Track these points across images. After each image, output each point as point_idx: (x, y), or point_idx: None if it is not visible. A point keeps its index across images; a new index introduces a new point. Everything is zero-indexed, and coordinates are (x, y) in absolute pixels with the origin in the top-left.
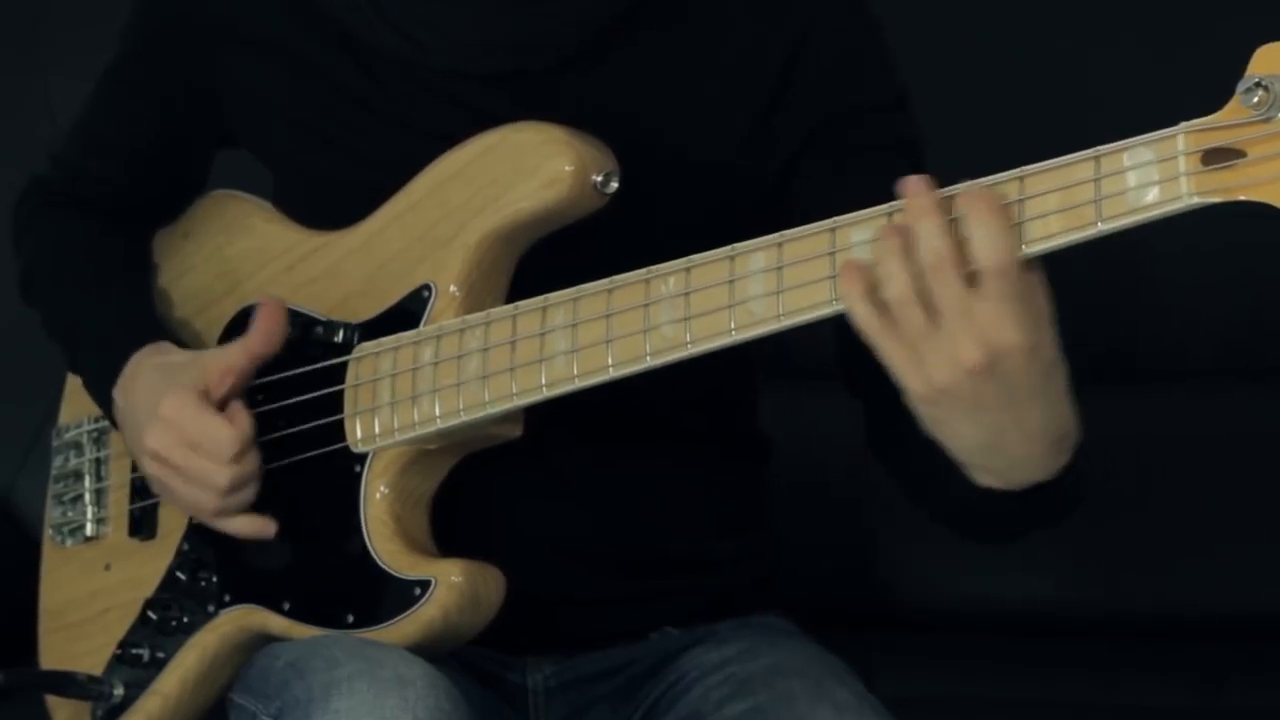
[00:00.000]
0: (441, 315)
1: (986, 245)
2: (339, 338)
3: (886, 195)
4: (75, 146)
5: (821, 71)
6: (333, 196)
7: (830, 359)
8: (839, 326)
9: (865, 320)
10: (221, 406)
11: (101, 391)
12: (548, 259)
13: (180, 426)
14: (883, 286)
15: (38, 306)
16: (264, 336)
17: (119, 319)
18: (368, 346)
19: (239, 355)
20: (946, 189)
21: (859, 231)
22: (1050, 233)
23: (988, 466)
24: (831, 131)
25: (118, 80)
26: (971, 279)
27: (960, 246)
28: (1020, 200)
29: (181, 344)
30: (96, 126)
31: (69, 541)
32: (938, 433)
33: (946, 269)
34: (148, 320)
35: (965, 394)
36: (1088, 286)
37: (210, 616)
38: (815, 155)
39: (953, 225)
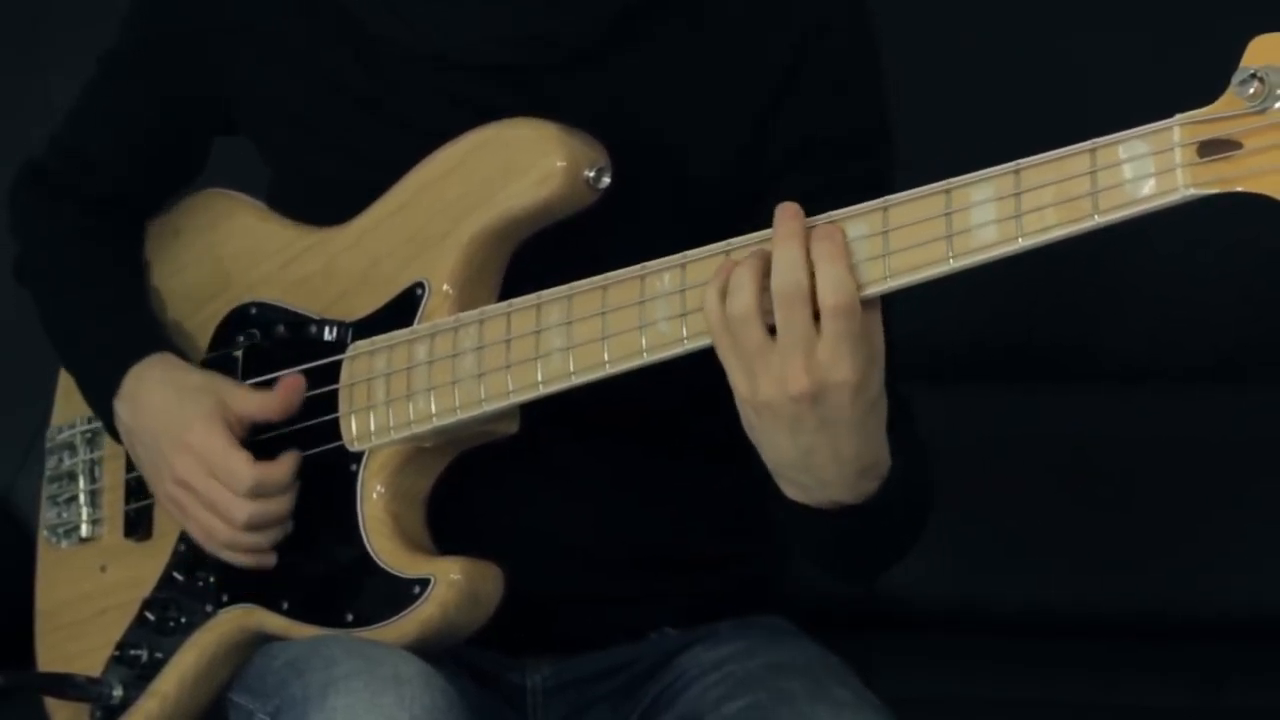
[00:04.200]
0: (435, 313)
1: (831, 285)
2: (333, 336)
3: None
4: (75, 131)
5: (819, 81)
6: (331, 195)
7: None
8: None
9: (709, 318)
10: None
11: (99, 399)
12: (542, 256)
13: (207, 456)
14: (730, 297)
15: (31, 294)
16: (282, 406)
17: (114, 327)
18: (362, 345)
19: (257, 409)
20: (810, 219)
21: (850, 227)
22: (1047, 225)
23: (794, 480)
24: (816, 153)
25: (119, 69)
26: (815, 314)
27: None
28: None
29: (176, 345)
30: (97, 112)
31: (64, 543)
32: (753, 437)
33: (798, 303)
34: (145, 329)
35: (785, 414)
36: (1081, 286)
37: (208, 616)
38: (797, 173)
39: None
